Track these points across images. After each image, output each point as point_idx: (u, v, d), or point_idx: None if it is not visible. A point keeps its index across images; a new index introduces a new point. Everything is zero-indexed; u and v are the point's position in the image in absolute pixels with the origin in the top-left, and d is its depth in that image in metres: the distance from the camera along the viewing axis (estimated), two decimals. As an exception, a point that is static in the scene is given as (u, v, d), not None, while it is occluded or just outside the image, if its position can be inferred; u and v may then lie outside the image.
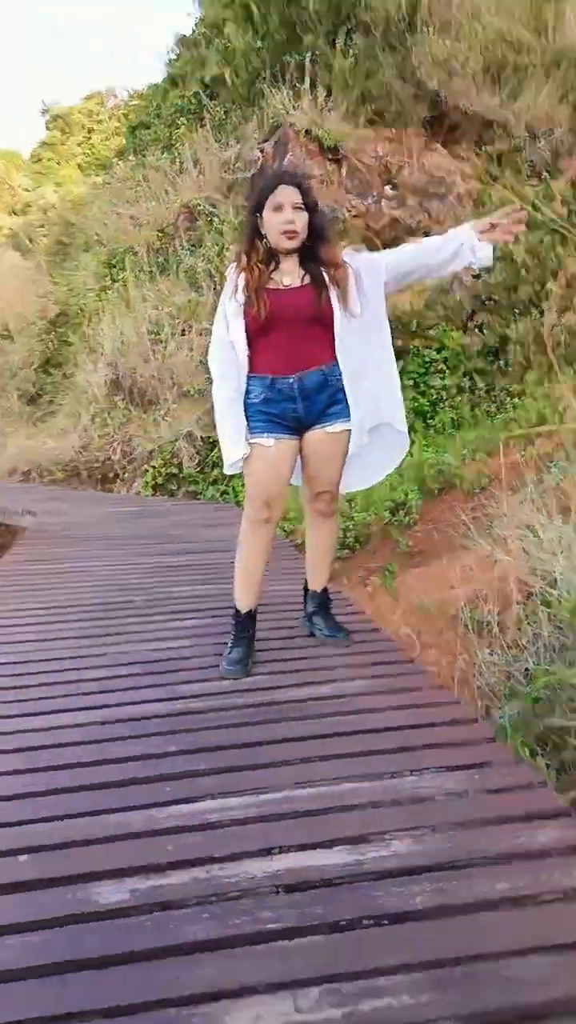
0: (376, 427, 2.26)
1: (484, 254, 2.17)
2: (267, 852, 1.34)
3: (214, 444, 7.29)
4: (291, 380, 2.16)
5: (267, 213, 2.12)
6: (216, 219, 7.76)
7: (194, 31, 9.47)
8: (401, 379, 7.73)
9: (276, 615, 2.63)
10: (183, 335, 7.75)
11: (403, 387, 8.09)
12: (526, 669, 3.04)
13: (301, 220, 2.11)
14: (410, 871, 1.29)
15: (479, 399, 7.73)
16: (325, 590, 2.49)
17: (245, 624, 2.29)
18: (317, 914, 1.20)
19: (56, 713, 1.99)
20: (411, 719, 1.86)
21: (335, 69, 7.81)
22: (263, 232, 2.15)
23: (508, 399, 7.19)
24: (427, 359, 7.79)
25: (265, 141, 7.96)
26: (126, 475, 7.32)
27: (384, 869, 1.30)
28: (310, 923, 1.18)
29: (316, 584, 2.47)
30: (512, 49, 8.46)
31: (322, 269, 2.15)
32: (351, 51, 7.89)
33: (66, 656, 2.43)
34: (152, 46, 35.30)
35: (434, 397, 7.72)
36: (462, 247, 2.16)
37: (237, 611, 2.30)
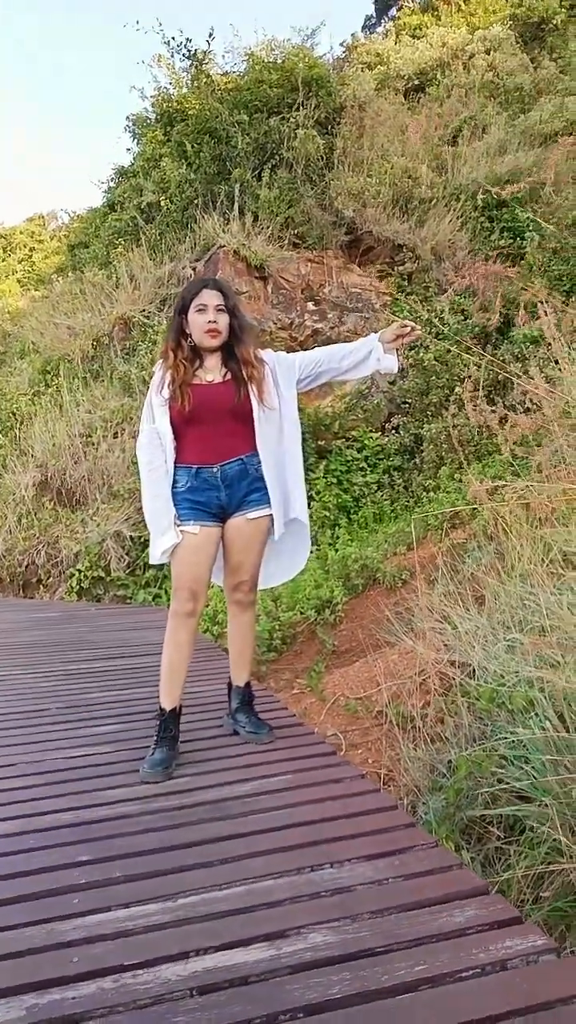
0: (289, 520, 2.42)
1: (389, 363, 2.43)
2: (184, 956, 1.35)
3: (145, 544, 7.30)
4: (214, 469, 2.31)
5: (192, 314, 2.33)
6: (151, 330, 8.13)
7: (132, 163, 10.20)
8: (325, 477, 8.02)
9: (201, 716, 2.67)
10: (115, 437, 7.91)
11: (327, 484, 8.38)
12: (449, 761, 3.14)
13: (223, 320, 2.32)
14: (329, 962, 1.30)
15: (398, 494, 8.16)
16: (248, 685, 2.56)
17: (168, 723, 2.32)
18: (233, 1013, 1.20)
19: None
20: (332, 811, 1.91)
21: (261, 198, 8.54)
22: (188, 332, 2.35)
23: (424, 494, 7.63)
24: (349, 458, 8.21)
25: (197, 260, 8.53)
26: (50, 580, 7.14)
27: (302, 962, 1.31)
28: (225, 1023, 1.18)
29: (239, 679, 2.55)
30: (417, 184, 9.49)
31: (242, 366, 2.34)
32: (275, 183, 8.67)
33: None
34: (90, 171, 37.97)
35: (356, 493, 8.09)
36: (370, 355, 2.42)
37: (161, 709, 2.33)
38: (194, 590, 2.31)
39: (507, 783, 2.57)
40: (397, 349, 2.44)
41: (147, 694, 3.13)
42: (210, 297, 2.33)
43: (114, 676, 3.58)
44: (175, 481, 2.33)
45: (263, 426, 2.34)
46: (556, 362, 4.20)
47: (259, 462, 2.35)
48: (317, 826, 1.83)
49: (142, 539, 7.34)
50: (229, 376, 2.36)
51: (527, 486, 3.62)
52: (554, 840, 2.31)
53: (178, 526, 2.29)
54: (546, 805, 2.32)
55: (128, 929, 1.44)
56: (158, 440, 2.33)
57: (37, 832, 1.89)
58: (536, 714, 2.58)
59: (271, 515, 2.38)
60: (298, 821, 1.86)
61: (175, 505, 2.31)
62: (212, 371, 2.36)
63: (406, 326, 2.40)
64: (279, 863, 1.66)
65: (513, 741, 2.66)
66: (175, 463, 2.32)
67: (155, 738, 2.32)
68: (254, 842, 1.77)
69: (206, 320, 2.31)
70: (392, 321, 8.65)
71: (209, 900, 1.52)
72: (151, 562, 2.41)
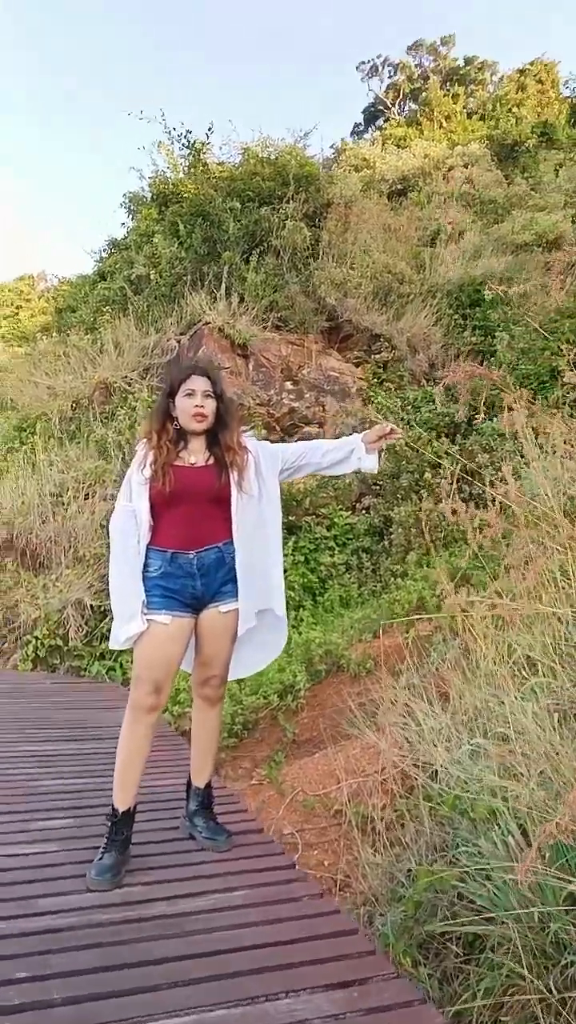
0: (261, 612, 2.37)
1: (370, 463, 2.47)
2: None
3: (104, 614, 7.13)
4: (191, 556, 2.26)
5: (180, 398, 2.34)
6: (131, 396, 8.23)
7: (126, 237, 10.56)
8: (293, 554, 8.01)
9: (156, 813, 2.55)
10: (87, 499, 7.86)
11: (295, 562, 8.36)
12: (409, 869, 3.03)
13: (210, 406, 2.34)
14: None
15: (366, 577, 8.18)
16: (208, 786, 2.47)
17: (120, 826, 2.21)
18: None
19: None
20: (289, 933, 1.83)
21: (248, 281, 8.86)
22: (174, 415, 2.36)
23: (392, 579, 7.66)
24: (318, 535, 8.26)
25: (183, 334, 8.74)
26: (5, 646, 6.94)
27: None
28: None
29: (200, 779, 2.45)
30: (396, 279, 9.98)
31: (224, 451, 2.34)
32: (262, 268, 9.02)
33: None
34: (82, 241, 39.34)
35: (323, 574, 8.10)
36: (352, 454, 2.45)
37: (114, 810, 2.22)
38: (159, 684, 2.22)
39: (468, 898, 2.49)
40: (379, 449, 2.50)
41: (100, 784, 2.98)
42: (199, 383, 2.36)
43: (66, 761, 3.41)
44: (147, 564, 2.27)
45: (241, 513, 2.32)
46: (522, 455, 4.31)
47: (235, 551, 2.33)
48: (273, 950, 1.74)
49: (102, 608, 7.17)
50: (212, 460, 2.36)
51: (493, 602, 3.66)
52: (515, 962, 2.24)
53: (147, 614, 2.23)
54: (507, 924, 2.25)
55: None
56: (133, 520, 2.28)
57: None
58: (499, 825, 2.53)
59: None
60: (254, 943, 1.77)
61: (146, 591, 2.25)
62: (196, 454, 2.36)
63: (388, 428, 2.46)
64: (233, 990, 1.58)
65: (474, 853, 2.60)
66: (149, 545, 2.28)
67: (105, 840, 2.20)
68: (207, 965, 1.68)
69: (194, 404, 2.33)
70: (369, 420, 8.92)
71: (153, 1035, 1.43)
72: (111, 646, 2.32)
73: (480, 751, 2.94)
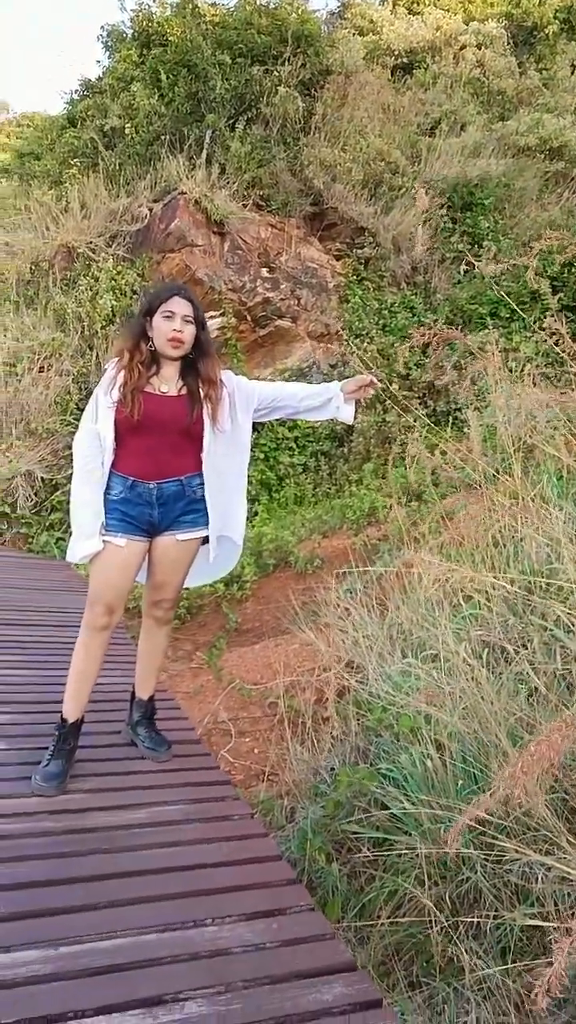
0: (220, 537, 2.38)
1: (347, 413, 2.41)
2: (62, 1018, 1.33)
3: (56, 487, 7.06)
4: (151, 486, 2.22)
5: (157, 319, 2.21)
6: (95, 265, 7.71)
7: (100, 78, 9.48)
8: (253, 451, 7.99)
9: (102, 713, 2.60)
10: (41, 372, 7.52)
11: (254, 459, 8.32)
12: (332, 768, 3.25)
13: (189, 332, 2.22)
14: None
15: (322, 479, 8.24)
16: (152, 699, 2.52)
17: (68, 736, 2.25)
18: None
19: None
20: (220, 854, 1.91)
21: (232, 151, 8.18)
22: (150, 335, 2.24)
23: (348, 485, 7.74)
24: (279, 435, 8.20)
25: (156, 201, 8.11)
26: (-47, 509, 6.86)
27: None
28: None
29: (144, 691, 2.50)
30: (389, 169, 9.37)
31: (199, 383, 2.25)
32: (248, 138, 8.31)
33: None
34: (52, 67, 34.74)
35: (281, 472, 8.11)
36: (329, 402, 2.38)
37: (63, 719, 2.25)
38: (112, 605, 2.23)
39: (384, 804, 2.70)
40: (357, 400, 2.43)
41: (43, 678, 3.02)
42: (180, 306, 2.22)
43: (9, 650, 3.40)
44: (108, 487, 2.23)
45: (212, 448, 2.27)
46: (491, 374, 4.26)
47: (199, 484, 2.28)
48: (205, 872, 1.83)
49: (54, 482, 7.09)
50: (185, 391, 2.26)
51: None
52: (417, 871, 2.47)
53: (104, 536, 2.20)
54: (413, 835, 2.47)
55: (6, 979, 1.41)
56: (98, 442, 2.21)
57: None
58: (418, 741, 2.70)
59: (202, 537, 2.34)
60: (187, 863, 1.85)
61: (106, 512, 2.22)
62: (168, 382, 2.26)
63: (367, 379, 2.39)
64: (164, 913, 1.65)
65: (394, 766, 2.79)
66: (111, 468, 2.23)
67: (51, 747, 2.24)
68: (142, 885, 1.75)
69: (171, 328, 2.20)
70: (346, 306, 8.60)
71: (91, 952, 1.50)
72: (68, 559, 2.31)
73: (410, 670, 3.09)
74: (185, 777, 2.32)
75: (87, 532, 2.20)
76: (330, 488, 8.12)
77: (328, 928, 1.65)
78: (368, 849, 2.70)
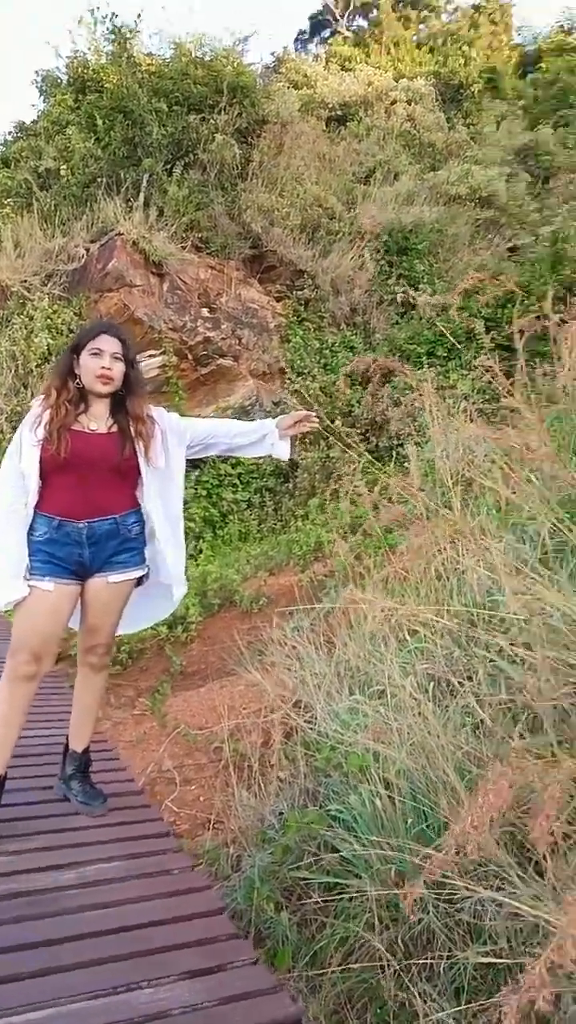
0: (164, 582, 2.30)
1: (282, 450, 2.39)
2: None
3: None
4: (80, 526, 2.14)
5: (84, 356, 2.17)
6: (30, 304, 7.61)
7: (35, 121, 9.51)
8: (195, 487, 7.90)
9: (30, 769, 2.46)
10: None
11: (197, 495, 8.25)
12: (280, 813, 3.14)
13: (118, 369, 2.18)
14: None
15: (267, 515, 8.21)
16: (86, 750, 2.39)
17: (-10, 790, 2.12)
18: None
19: None
20: (158, 912, 1.80)
21: (169, 194, 8.27)
22: (77, 373, 2.18)
23: (293, 520, 7.72)
24: (222, 472, 8.16)
25: (92, 241, 8.09)
26: None
27: None
28: None
29: (79, 743, 2.37)
30: (326, 214, 9.64)
31: (130, 421, 2.20)
32: (185, 182, 8.43)
33: None
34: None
35: (225, 509, 8.05)
36: (264, 439, 2.36)
37: None
38: (38, 653, 2.11)
39: (332, 846, 2.61)
40: (292, 436, 2.41)
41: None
42: (108, 343, 2.18)
43: None
44: (32, 528, 2.13)
45: (150, 484, 2.22)
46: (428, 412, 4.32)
47: (135, 522, 2.22)
48: (142, 932, 1.71)
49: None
50: (115, 428, 2.21)
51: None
52: (368, 915, 2.37)
53: (29, 580, 2.10)
54: (363, 879, 2.38)
55: None
56: (21, 480, 2.12)
57: None
58: (367, 780, 2.63)
59: (135, 579, 2.26)
60: (122, 925, 1.73)
61: (30, 555, 2.11)
62: (97, 419, 2.20)
63: (303, 415, 2.39)
64: (96, 979, 1.54)
65: (343, 807, 2.71)
66: (35, 509, 2.13)
67: (-28, 805, 2.11)
68: (70, 951, 1.63)
69: (100, 365, 2.16)
70: (287, 346, 8.70)
71: (20, 1026, 1.38)
72: None
73: (358, 708, 3.03)
74: (122, 832, 2.20)
75: (9, 575, 2.09)
76: (275, 524, 8.08)
77: (272, 981, 1.56)
78: (319, 895, 2.59)
